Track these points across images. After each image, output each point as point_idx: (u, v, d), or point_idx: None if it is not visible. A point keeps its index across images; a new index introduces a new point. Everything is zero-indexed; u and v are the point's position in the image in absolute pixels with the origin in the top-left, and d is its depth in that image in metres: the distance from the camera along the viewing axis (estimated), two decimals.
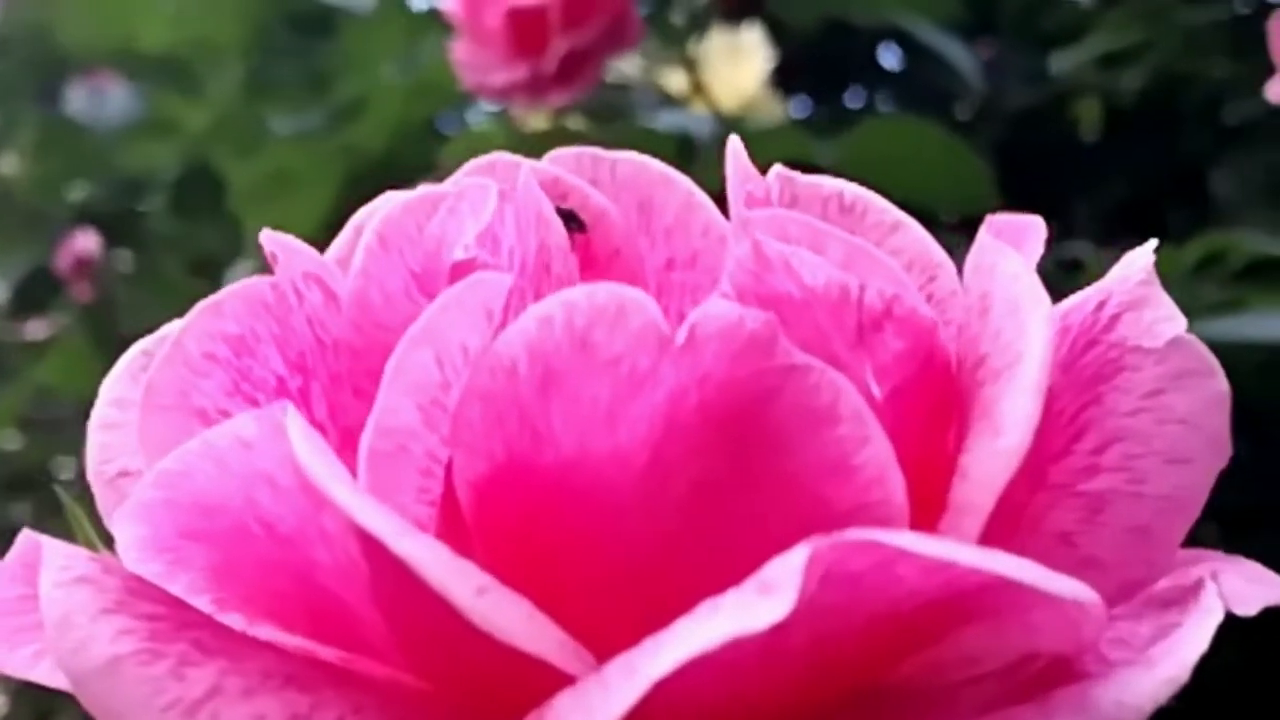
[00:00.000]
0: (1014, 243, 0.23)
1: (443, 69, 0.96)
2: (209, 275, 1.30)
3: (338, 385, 0.24)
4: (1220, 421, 0.22)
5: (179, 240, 1.30)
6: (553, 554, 0.21)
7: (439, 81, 1.03)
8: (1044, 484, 0.22)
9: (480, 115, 1.26)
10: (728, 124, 0.89)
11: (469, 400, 0.20)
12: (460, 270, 0.22)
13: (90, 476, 0.24)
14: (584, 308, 0.20)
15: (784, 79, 1.30)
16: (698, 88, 1.01)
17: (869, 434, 0.19)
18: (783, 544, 0.18)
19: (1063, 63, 1.20)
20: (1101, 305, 0.23)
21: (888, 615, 0.20)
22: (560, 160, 0.27)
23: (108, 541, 0.25)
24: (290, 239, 0.25)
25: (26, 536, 0.22)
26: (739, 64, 1.24)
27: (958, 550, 0.18)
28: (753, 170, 0.25)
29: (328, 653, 0.22)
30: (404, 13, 1.20)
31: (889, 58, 1.46)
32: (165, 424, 0.23)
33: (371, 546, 0.19)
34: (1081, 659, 0.20)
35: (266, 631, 0.22)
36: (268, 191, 0.99)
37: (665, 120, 0.96)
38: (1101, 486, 0.22)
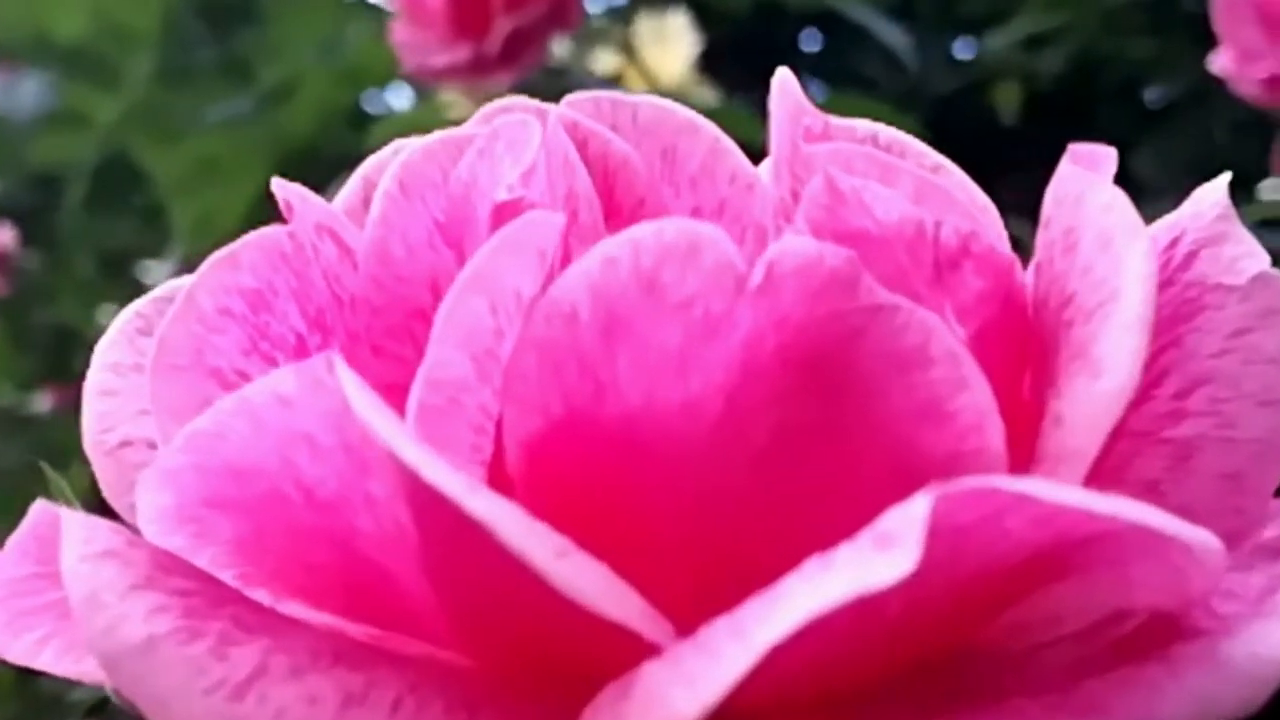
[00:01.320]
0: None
1: (370, 53, 0.95)
2: (121, 271, 1.27)
3: (356, 344, 0.22)
4: None
5: (92, 234, 1.27)
6: (613, 515, 0.19)
7: (367, 65, 1.01)
8: (1124, 431, 0.21)
9: (404, 100, 1.23)
10: None
11: (523, 350, 0.18)
12: (504, 212, 0.20)
13: (89, 448, 0.22)
14: (651, 246, 0.18)
15: (710, 64, 1.29)
16: (631, 62, 0.99)
17: (965, 376, 0.18)
18: (870, 498, 0.17)
19: (981, 47, 1.20)
20: (1174, 243, 0.22)
21: (987, 573, 0.18)
22: (579, 105, 0.26)
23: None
24: (299, 187, 0.23)
25: (41, 507, 0.20)
26: (666, 48, 1.23)
27: (1088, 498, 0.16)
28: (807, 104, 0.23)
29: (358, 631, 0.20)
30: None
31: (812, 43, 1.45)
32: (179, 385, 0.21)
33: (429, 509, 0.17)
34: (1190, 614, 0.19)
35: (294, 609, 0.20)
36: (194, 181, 0.96)
37: None
38: (1189, 432, 0.21)
